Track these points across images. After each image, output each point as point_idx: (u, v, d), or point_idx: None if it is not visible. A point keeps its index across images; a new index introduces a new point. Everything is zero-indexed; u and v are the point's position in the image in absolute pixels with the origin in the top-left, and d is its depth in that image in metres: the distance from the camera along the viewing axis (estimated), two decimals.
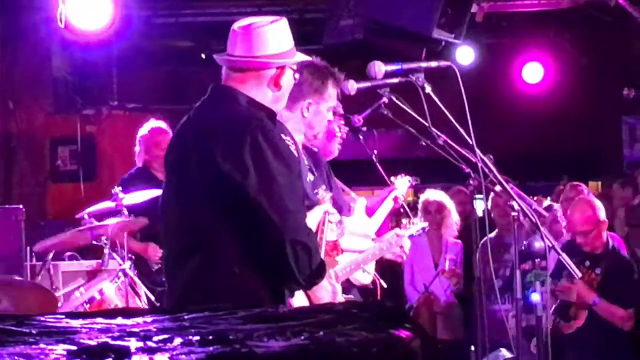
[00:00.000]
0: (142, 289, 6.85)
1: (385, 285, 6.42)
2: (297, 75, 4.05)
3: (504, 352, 7.13)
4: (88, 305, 6.56)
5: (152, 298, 6.79)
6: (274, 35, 3.91)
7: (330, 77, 4.91)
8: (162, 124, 7.63)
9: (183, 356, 1.78)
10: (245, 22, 3.95)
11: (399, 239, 5.60)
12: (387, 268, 7.14)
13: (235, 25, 3.94)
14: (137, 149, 7.65)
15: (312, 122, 4.92)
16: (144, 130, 7.62)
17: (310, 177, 4.98)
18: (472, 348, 8.01)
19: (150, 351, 1.81)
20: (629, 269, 6.93)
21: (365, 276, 5.71)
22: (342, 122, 5.84)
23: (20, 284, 6.71)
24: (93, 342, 1.87)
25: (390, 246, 5.58)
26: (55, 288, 7.14)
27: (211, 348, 1.82)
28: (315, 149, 5.28)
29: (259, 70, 3.91)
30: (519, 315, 5.35)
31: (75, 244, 7.34)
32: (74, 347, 1.83)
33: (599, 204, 7.05)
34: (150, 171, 7.50)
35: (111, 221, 6.75)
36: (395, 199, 6.38)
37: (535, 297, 6.60)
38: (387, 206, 6.33)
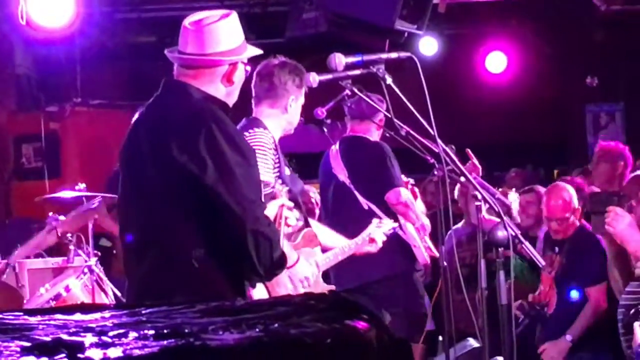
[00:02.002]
0: (108, 286, 6.84)
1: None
2: (248, 68, 4.08)
3: (472, 341, 7.15)
4: (54, 302, 6.54)
5: (119, 294, 6.79)
6: (226, 32, 3.92)
7: (302, 73, 5.08)
8: None
9: (137, 350, 1.78)
10: (196, 17, 3.95)
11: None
12: None
13: (186, 21, 3.95)
14: None
15: (292, 117, 5.13)
16: None
17: (287, 171, 5.05)
18: (440, 338, 8.04)
19: (105, 346, 1.80)
20: (592, 245, 6.75)
21: (425, 255, 6.73)
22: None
23: None
24: (47, 339, 1.86)
25: (364, 242, 5.71)
26: (21, 286, 7.12)
27: (165, 342, 1.82)
28: None
29: (211, 67, 3.93)
30: (483, 304, 5.37)
31: (45, 245, 7.35)
32: (27, 344, 1.82)
33: (572, 190, 7.02)
34: None
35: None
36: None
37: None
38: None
